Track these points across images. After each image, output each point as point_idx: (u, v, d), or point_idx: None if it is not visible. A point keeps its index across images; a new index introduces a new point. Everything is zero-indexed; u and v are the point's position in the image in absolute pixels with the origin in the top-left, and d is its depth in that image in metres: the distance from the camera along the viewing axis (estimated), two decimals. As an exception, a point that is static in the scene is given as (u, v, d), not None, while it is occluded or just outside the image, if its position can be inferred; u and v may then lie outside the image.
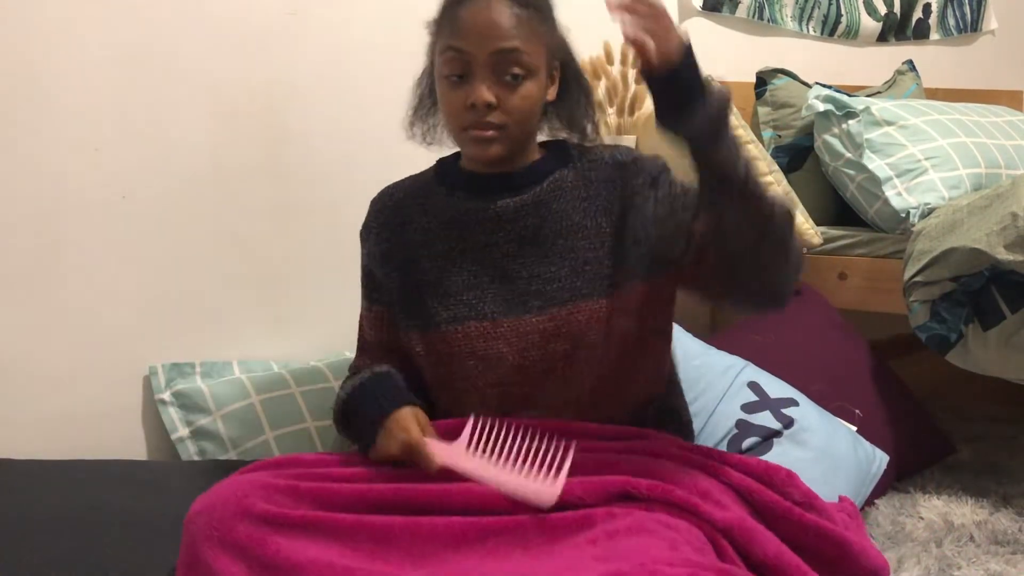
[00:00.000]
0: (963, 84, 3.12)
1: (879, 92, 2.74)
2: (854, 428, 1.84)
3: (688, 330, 1.91)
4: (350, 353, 1.50)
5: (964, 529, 1.77)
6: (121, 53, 1.70)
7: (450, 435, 1.26)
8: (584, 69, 1.44)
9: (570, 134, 1.39)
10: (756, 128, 2.55)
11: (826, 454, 1.70)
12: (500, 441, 1.20)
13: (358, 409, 1.30)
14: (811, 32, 2.89)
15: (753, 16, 2.72)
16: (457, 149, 1.41)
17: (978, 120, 2.44)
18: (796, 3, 2.83)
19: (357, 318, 1.49)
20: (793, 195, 2.19)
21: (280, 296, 1.90)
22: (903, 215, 2.16)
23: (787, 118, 2.52)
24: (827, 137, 2.33)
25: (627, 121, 2.12)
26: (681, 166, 1.24)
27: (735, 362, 1.85)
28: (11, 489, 1.42)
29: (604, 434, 1.30)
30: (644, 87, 2.03)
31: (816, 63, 2.83)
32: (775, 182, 2.15)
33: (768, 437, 1.70)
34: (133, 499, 1.43)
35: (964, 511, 1.84)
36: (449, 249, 1.35)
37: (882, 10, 3.05)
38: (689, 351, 1.84)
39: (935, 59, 3.20)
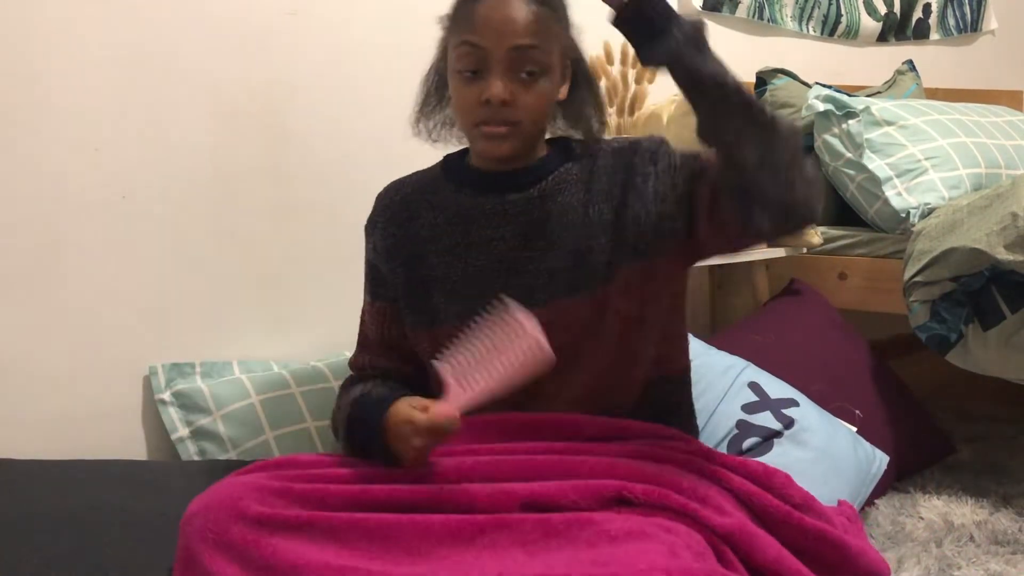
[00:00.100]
0: (963, 84, 3.12)
1: (879, 92, 2.74)
2: (854, 428, 1.84)
3: (688, 330, 1.91)
4: (350, 353, 1.50)
5: (964, 529, 1.77)
6: (121, 53, 1.70)
7: (466, 431, 1.26)
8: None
9: (577, 132, 1.39)
10: (756, 128, 2.54)
11: (826, 454, 1.70)
12: (468, 356, 1.17)
13: (362, 444, 1.27)
14: (811, 32, 2.89)
15: (753, 16, 2.72)
16: (463, 146, 1.41)
17: (978, 120, 2.44)
18: (796, 3, 2.83)
19: (357, 318, 1.49)
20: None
21: (280, 296, 1.90)
22: (903, 215, 2.16)
23: (787, 118, 2.52)
24: (827, 137, 2.33)
25: (627, 121, 2.12)
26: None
27: (735, 362, 1.85)
28: (11, 489, 1.42)
29: (607, 432, 1.29)
30: (644, 87, 2.06)
31: (816, 63, 2.84)
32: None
33: (768, 437, 1.70)
34: (133, 499, 1.43)
35: (964, 511, 1.84)
36: (455, 244, 1.35)
37: (882, 10, 3.05)
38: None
39: (935, 59, 3.20)
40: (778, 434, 1.71)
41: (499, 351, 1.15)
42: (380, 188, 1.47)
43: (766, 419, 1.73)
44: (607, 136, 1.43)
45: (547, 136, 1.40)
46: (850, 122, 2.29)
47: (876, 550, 1.31)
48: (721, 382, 1.79)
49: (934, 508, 1.86)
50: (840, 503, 1.51)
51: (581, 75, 1.38)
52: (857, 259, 2.28)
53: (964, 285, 1.88)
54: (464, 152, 1.42)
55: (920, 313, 1.94)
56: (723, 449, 1.68)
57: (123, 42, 1.70)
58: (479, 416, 1.31)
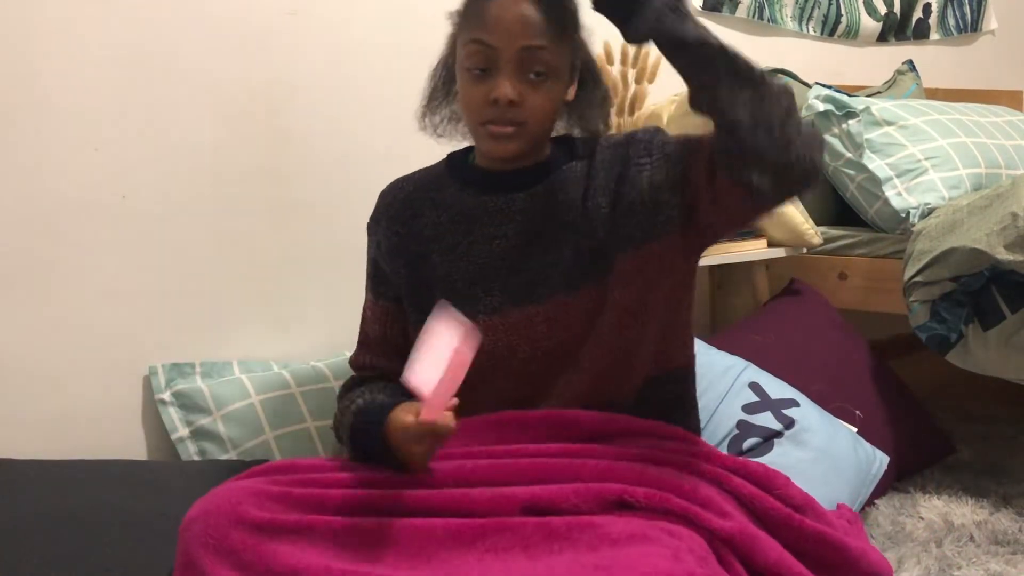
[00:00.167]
0: (963, 84, 3.12)
1: (879, 92, 2.74)
2: (854, 429, 1.84)
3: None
4: (350, 352, 1.50)
5: (964, 529, 1.77)
6: (121, 53, 1.70)
7: (465, 431, 1.26)
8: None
9: (582, 133, 1.39)
10: (756, 128, 2.55)
11: (827, 455, 1.70)
12: (422, 363, 1.15)
13: (367, 453, 1.26)
14: (811, 32, 2.89)
15: (753, 16, 2.72)
16: (468, 143, 1.41)
17: (978, 120, 2.44)
18: (796, 3, 2.83)
19: (357, 318, 1.49)
20: (793, 195, 2.18)
21: (280, 296, 1.90)
22: (903, 215, 2.16)
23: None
24: (827, 137, 2.32)
25: (627, 121, 2.12)
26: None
27: (736, 362, 1.85)
28: (11, 489, 1.42)
29: (607, 429, 1.29)
30: (644, 87, 2.06)
31: (816, 63, 2.84)
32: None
33: (769, 438, 1.70)
34: (133, 499, 1.43)
35: (964, 511, 1.84)
36: (458, 243, 1.35)
37: (882, 10, 3.05)
38: (689, 351, 1.84)
39: (935, 59, 3.20)
40: (778, 434, 1.71)
41: (443, 346, 1.14)
42: (380, 188, 1.47)
43: (766, 419, 1.73)
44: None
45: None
46: (850, 122, 2.29)
47: (878, 551, 1.31)
48: (721, 382, 1.79)
49: (934, 508, 1.86)
50: (839, 507, 1.50)
51: (590, 76, 1.38)
52: (857, 259, 2.28)
53: (964, 285, 1.88)
54: (468, 150, 1.42)
55: (920, 313, 1.94)
56: (723, 449, 1.68)
57: (123, 42, 1.70)
58: (478, 417, 1.31)
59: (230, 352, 1.84)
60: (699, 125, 1.27)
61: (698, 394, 1.72)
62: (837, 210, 2.46)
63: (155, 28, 1.73)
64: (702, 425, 1.53)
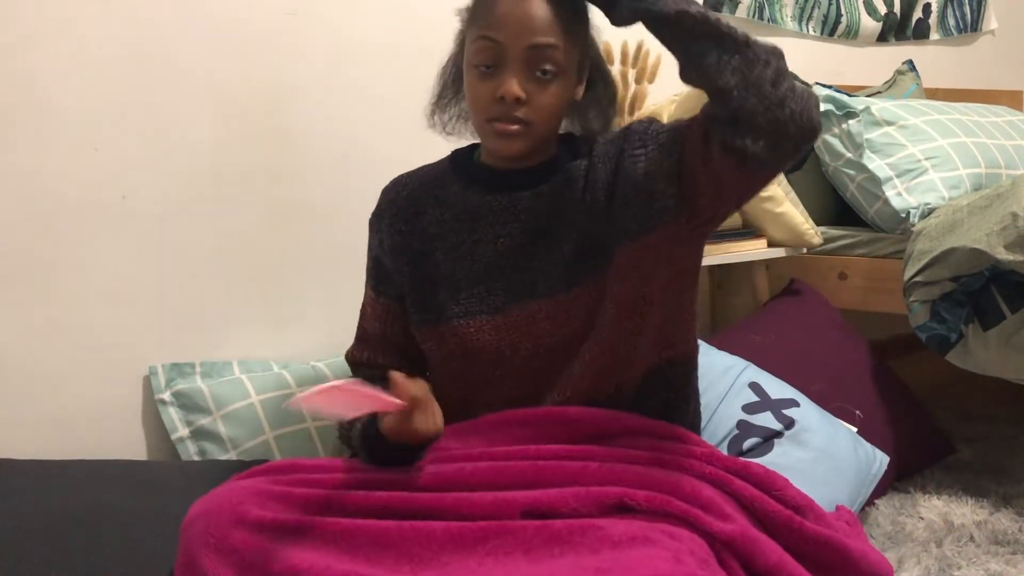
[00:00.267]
0: (963, 84, 3.12)
1: (879, 92, 2.74)
2: (854, 429, 1.84)
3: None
4: (350, 353, 1.50)
5: (964, 529, 1.77)
6: (121, 53, 1.70)
7: (467, 432, 1.26)
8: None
9: (584, 132, 1.38)
10: (756, 128, 2.55)
11: (827, 455, 1.70)
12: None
13: (386, 461, 1.26)
14: (811, 32, 2.89)
15: (753, 16, 2.72)
16: (473, 141, 1.40)
17: (978, 120, 2.44)
18: (796, 3, 2.83)
19: (357, 318, 1.49)
20: (793, 195, 2.19)
21: (280, 296, 1.90)
22: (903, 215, 2.16)
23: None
24: (827, 137, 2.33)
25: (627, 121, 2.12)
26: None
27: (736, 362, 1.85)
28: (11, 489, 1.42)
29: (606, 428, 1.29)
30: (644, 87, 2.06)
31: (816, 63, 2.83)
32: (775, 182, 2.15)
33: (769, 438, 1.70)
34: (133, 499, 1.43)
35: (964, 511, 1.84)
36: (461, 241, 1.35)
37: (882, 10, 3.05)
38: (689, 351, 1.83)
39: (935, 59, 3.20)
40: (778, 434, 1.71)
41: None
42: (380, 188, 1.47)
43: (766, 419, 1.73)
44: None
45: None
46: (850, 122, 2.29)
47: (878, 551, 1.30)
48: (722, 382, 1.79)
49: (934, 508, 1.86)
50: (838, 508, 1.50)
51: (599, 76, 1.37)
52: (857, 259, 2.28)
53: (964, 285, 1.88)
54: (473, 148, 1.42)
55: (920, 313, 1.94)
56: (723, 449, 1.68)
57: (123, 42, 1.70)
58: (481, 417, 1.31)
59: (230, 352, 1.84)
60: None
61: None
62: (837, 210, 2.46)
63: (155, 28, 1.73)
64: (702, 425, 1.53)
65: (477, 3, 1.30)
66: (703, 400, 1.52)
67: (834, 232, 2.33)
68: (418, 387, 1.19)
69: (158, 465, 1.65)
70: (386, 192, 1.45)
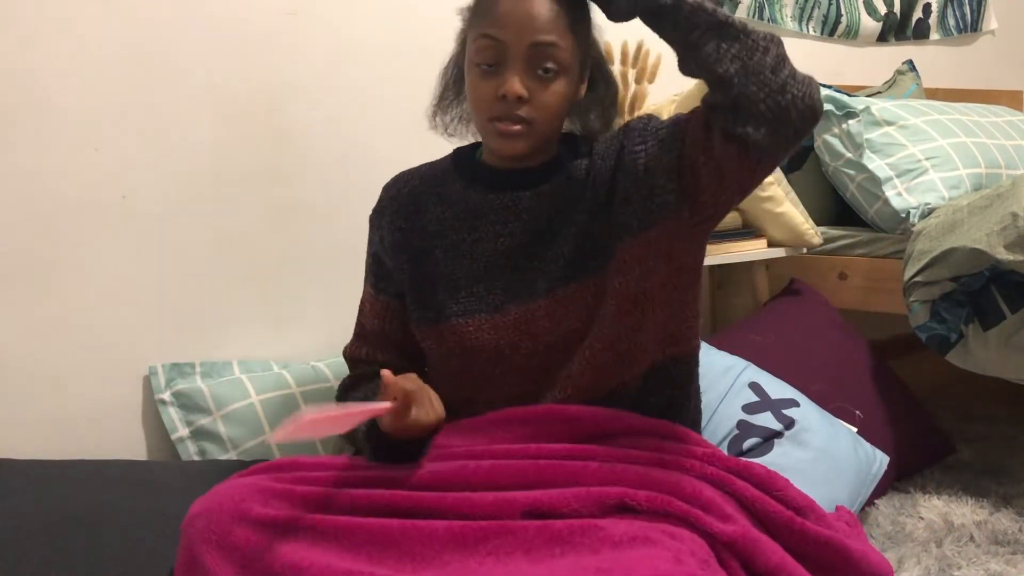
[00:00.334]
0: (963, 84, 3.12)
1: (879, 92, 2.74)
2: (854, 429, 1.84)
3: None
4: (350, 353, 1.50)
5: (964, 529, 1.77)
6: (121, 53, 1.70)
7: (468, 430, 1.26)
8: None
9: (584, 132, 1.38)
10: (756, 128, 2.55)
11: (827, 455, 1.70)
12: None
13: (392, 458, 1.26)
14: (811, 32, 2.89)
15: (753, 16, 2.72)
16: (475, 140, 1.40)
17: (978, 120, 2.44)
18: (796, 3, 2.83)
19: (357, 318, 1.49)
20: (793, 195, 2.19)
21: (280, 296, 1.90)
22: (903, 215, 2.16)
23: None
24: (827, 137, 2.33)
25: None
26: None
27: (736, 362, 1.85)
28: (11, 489, 1.42)
29: (607, 427, 1.29)
30: (644, 87, 2.05)
31: (816, 63, 2.83)
32: (775, 182, 2.15)
33: (769, 438, 1.70)
34: (133, 499, 1.43)
35: (964, 511, 1.84)
36: (462, 240, 1.35)
37: (882, 10, 3.05)
38: (689, 351, 1.83)
39: (935, 59, 3.20)
40: (779, 434, 1.71)
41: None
42: (380, 188, 1.47)
43: (767, 419, 1.73)
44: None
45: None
46: (850, 122, 2.29)
47: (878, 552, 1.30)
48: (722, 382, 1.79)
49: (934, 508, 1.86)
50: (838, 509, 1.50)
51: (600, 76, 1.37)
52: (857, 259, 2.28)
53: (964, 285, 1.88)
54: (475, 146, 1.41)
55: (920, 313, 1.94)
56: (724, 449, 1.68)
57: (123, 42, 1.70)
58: (481, 416, 1.31)
59: (230, 352, 1.84)
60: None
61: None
62: (837, 210, 2.46)
63: (155, 28, 1.73)
64: (703, 424, 1.53)
65: (478, 2, 1.29)
66: (703, 400, 1.52)
67: (834, 232, 2.33)
68: (409, 381, 1.19)
69: (158, 465, 1.65)
70: (387, 189, 1.45)
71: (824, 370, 1.99)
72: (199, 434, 1.69)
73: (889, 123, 2.29)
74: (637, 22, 1.30)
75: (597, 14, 1.32)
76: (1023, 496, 1.92)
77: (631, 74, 2.09)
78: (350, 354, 1.48)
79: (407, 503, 1.16)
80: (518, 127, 1.25)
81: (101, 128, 1.69)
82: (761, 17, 2.75)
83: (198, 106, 1.78)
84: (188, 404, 1.71)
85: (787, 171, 2.41)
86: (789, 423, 1.72)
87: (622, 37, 2.01)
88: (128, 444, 1.74)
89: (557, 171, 1.34)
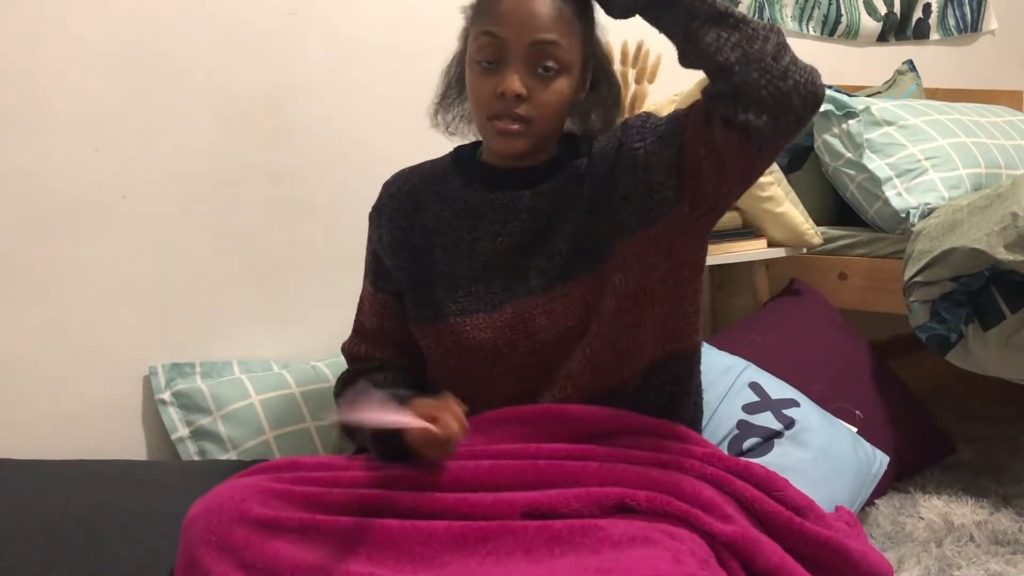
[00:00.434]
0: (963, 84, 3.12)
1: (879, 92, 2.74)
2: (854, 429, 1.84)
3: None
4: (350, 353, 1.50)
5: (964, 529, 1.77)
6: (121, 53, 1.70)
7: (480, 427, 1.26)
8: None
9: (588, 132, 1.38)
10: (756, 128, 2.55)
11: (827, 455, 1.70)
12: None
13: (387, 452, 1.26)
14: (811, 32, 2.89)
15: (753, 16, 2.72)
16: (476, 139, 1.40)
17: (978, 120, 2.44)
18: (796, 3, 2.83)
19: (356, 315, 1.49)
20: (793, 195, 2.19)
21: (280, 296, 1.90)
22: (903, 215, 2.16)
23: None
24: (827, 137, 2.33)
25: (627, 121, 2.12)
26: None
27: (736, 362, 1.85)
28: (11, 489, 1.42)
29: (607, 426, 1.29)
30: (644, 87, 2.05)
31: (816, 63, 2.80)
32: (775, 182, 2.15)
33: (769, 438, 1.70)
34: (133, 499, 1.43)
35: (964, 511, 1.84)
36: (461, 239, 1.35)
37: (882, 10, 3.05)
38: (689, 351, 1.83)
39: (935, 59, 3.20)
40: (779, 434, 1.71)
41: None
42: (380, 187, 1.47)
43: (767, 419, 1.73)
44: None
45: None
46: (850, 122, 2.29)
47: (878, 552, 1.30)
48: (722, 382, 1.79)
49: (934, 508, 1.86)
50: (838, 509, 1.50)
51: (603, 76, 1.37)
52: (857, 259, 2.28)
53: (964, 285, 1.88)
54: (475, 145, 1.41)
55: (920, 313, 1.94)
56: (724, 449, 1.68)
57: (123, 42, 1.70)
58: (480, 415, 1.31)
59: (230, 352, 1.84)
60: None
61: (698, 393, 1.72)
62: (837, 210, 2.46)
63: (155, 28, 1.73)
64: (703, 424, 1.53)
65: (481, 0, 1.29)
66: (704, 400, 1.52)
67: (834, 232, 2.33)
68: (434, 406, 1.18)
69: (158, 465, 1.65)
70: (387, 186, 1.45)
71: (824, 370, 1.99)
72: (199, 434, 1.69)
73: (889, 123, 2.29)
74: (636, 22, 1.30)
75: (599, 13, 1.32)
76: (1023, 496, 1.92)
77: (631, 74, 2.09)
78: (349, 351, 1.48)
79: (406, 503, 1.16)
80: (517, 125, 1.25)
81: (101, 128, 1.69)
82: (761, 17, 2.74)
83: (198, 106, 1.78)
84: (188, 404, 1.71)
85: (787, 171, 2.41)
86: (789, 423, 1.72)
87: (622, 37, 2.01)
88: (128, 444, 1.74)
89: (557, 170, 1.34)
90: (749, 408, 1.75)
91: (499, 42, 1.24)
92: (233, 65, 1.81)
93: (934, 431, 2.12)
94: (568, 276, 1.30)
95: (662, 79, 2.02)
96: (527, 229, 1.32)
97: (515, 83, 1.23)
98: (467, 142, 1.43)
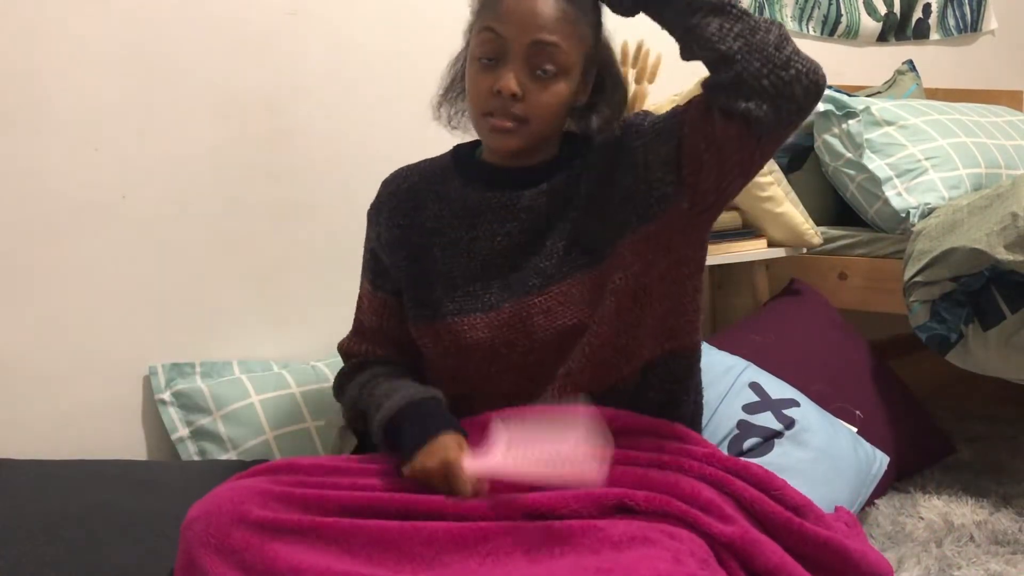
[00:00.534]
0: (963, 84, 3.12)
1: (879, 92, 2.74)
2: (854, 429, 1.84)
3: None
4: (350, 353, 1.50)
5: (964, 529, 1.77)
6: (121, 53, 1.70)
7: (478, 429, 1.25)
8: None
9: (589, 133, 1.38)
10: (756, 128, 2.55)
11: (827, 455, 1.70)
12: (529, 434, 1.15)
13: (402, 424, 1.26)
14: (811, 32, 2.89)
15: (753, 16, 2.72)
16: (478, 137, 1.40)
17: (978, 120, 2.44)
18: (796, 3, 2.83)
19: (355, 314, 1.49)
20: (793, 195, 2.19)
21: (280, 296, 1.90)
22: (903, 215, 2.16)
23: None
24: (827, 137, 2.33)
25: (627, 121, 2.12)
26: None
27: (736, 362, 1.85)
28: (11, 489, 1.42)
29: (611, 428, 1.28)
30: (644, 87, 2.05)
31: (816, 63, 2.83)
32: (775, 182, 2.15)
33: (769, 438, 1.70)
34: (133, 499, 1.43)
35: (964, 511, 1.84)
36: (460, 238, 1.35)
37: (882, 10, 3.05)
38: (689, 351, 1.83)
39: (935, 59, 3.20)
40: (779, 434, 1.71)
41: (554, 456, 1.12)
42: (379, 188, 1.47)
43: (767, 419, 1.73)
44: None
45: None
46: (850, 122, 2.29)
47: (878, 552, 1.30)
48: (722, 382, 1.79)
49: (934, 508, 1.86)
50: (837, 509, 1.50)
51: (608, 80, 1.36)
52: (857, 259, 2.28)
53: (964, 285, 1.88)
54: (475, 144, 1.41)
55: (920, 313, 1.94)
56: (724, 449, 1.68)
57: (123, 42, 1.70)
58: (478, 416, 1.31)
59: (230, 352, 1.84)
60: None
61: (698, 394, 1.72)
62: (837, 210, 2.46)
63: (155, 28, 1.73)
64: (703, 424, 1.53)
65: None
66: (704, 400, 1.52)
67: (834, 232, 2.33)
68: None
69: (158, 465, 1.65)
70: (386, 184, 1.45)
71: (824, 370, 1.99)
72: (199, 434, 1.69)
73: (889, 123, 2.29)
74: (636, 22, 1.30)
75: (605, 15, 1.32)
76: (1023, 496, 1.92)
77: (631, 74, 2.09)
78: (347, 349, 1.48)
79: (406, 505, 1.16)
80: (510, 124, 1.25)
81: (101, 128, 1.69)
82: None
83: (198, 106, 1.78)
84: (188, 404, 1.71)
85: (787, 171, 2.41)
86: (789, 423, 1.72)
87: (622, 37, 2.01)
88: (128, 444, 1.74)
89: (557, 170, 1.34)
90: (749, 408, 1.75)
91: (499, 39, 1.24)
92: (233, 65, 1.81)
93: (934, 431, 2.12)
94: (566, 275, 1.30)
95: (662, 79, 2.02)
96: (526, 229, 1.32)
97: (511, 82, 1.23)
98: (467, 138, 1.42)
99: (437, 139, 1.45)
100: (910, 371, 2.38)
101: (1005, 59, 3.44)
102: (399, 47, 1.99)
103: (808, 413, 1.76)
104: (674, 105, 1.32)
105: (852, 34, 2.99)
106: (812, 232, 2.20)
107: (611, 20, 1.34)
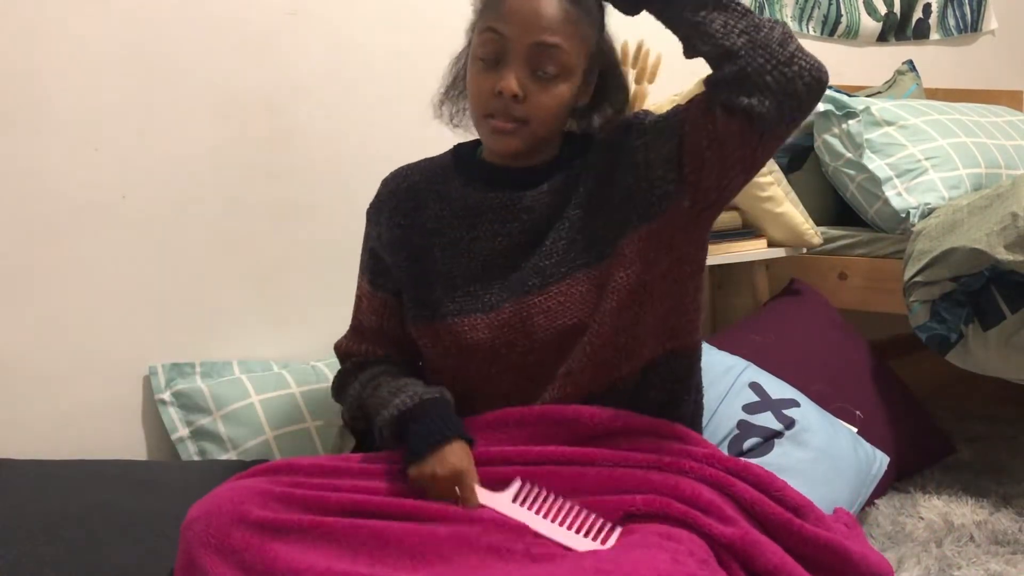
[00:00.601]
0: (963, 84, 3.12)
1: (879, 92, 2.74)
2: (854, 429, 1.84)
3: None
4: (350, 353, 1.49)
5: (964, 529, 1.77)
6: (121, 53, 1.70)
7: (478, 429, 1.26)
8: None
9: (590, 133, 1.38)
10: (756, 128, 2.55)
11: (827, 455, 1.70)
12: (544, 503, 1.18)
13: (410, 423, 1.26)
14: (811, 32, 2.89)
15: (753, 16, 2.72)
16: (478, 136, 1.40)
17: (978, 120, 2.44)
18: (796, 3, 2.83)
19: (354, 313, 1.49)
20: (793, 195, 2.19)
21: (280, 296, 1.90)
22: (903, 215, 2.16)
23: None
24: (827, 137, 2.33)
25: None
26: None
27: (736, 362, 1.85)
28: (11, 489, 1.42)
29: (607, 426, 1.28)
30: (644, 87, 2.05)
31: (816, 63, 2.83)
32: (775, 182, 2.15)
33: (769, 438, 1.70)
34: (133, 499, 1.43)
35: (964, 511, 1.84)
36: (460, 238, 1.35)
37: (882, 10, 3.05)
38: (689, 351, 1.83)
39: (935, 59, 3.20)
40: (779, 434, 1.71)
41: (565, 529, 1.16)
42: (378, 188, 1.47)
43: (767, 419, 1.73)
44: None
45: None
46: (850, 122, 2.29)
47: (878, 553, 1.30)
48: (722, 382, 1.79)
49: (934, 508, 1.86)
50: (836, 511, 1.50)
51: (611, 82, 1.36)
52: (857, 259, 2.28)
53: (964, 285, 1.88)
54: (476, 143, 1.41)
55: (920, 313, 1.94)
56: (724, 449, 1.68)
57: (123, 42, 1.70)
58: (478, 416, 1.31)
59: (230, 352, 1.84)
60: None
61: (698, 394, 1.72)
62: (837, 210, 2.46)
63: (155, 28, 1.73)
64: (703, 424, 1.53)
65: None
66: (704, 400, 1.52)
67: (834, 232, 2.33)
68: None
69: (158, 465, 1.65)
70: (387, 183, 1.44)
71: (824, 370, 1.99)
72: (199, 434, 1.69)
73: (889, 123, 2.29)
74: (636, 22, 1.29)
75: (609, 14, 1.31)
76: (1023, 496, 1.92)
77: (631, 74, 2.09)
78: (345, 349, 1.47)
79: (406, 505, 1.16)
80: (511, 125, 1.25)
81: (101, 128, 1.69)
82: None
83: (198, 106, 1.78)
84: (188, 404, 1.71)
85: (787, 171, 2.41)
86: (789, 423, 1.72)
87: (622, 37, 2.01)
88: (128, 444, 1.74)
89: (557, 171, 1.33)
90: (749, 408, 1.75)
91: (501, 39, 1.24)
92: (233, 65, 1.81)
93: (934, 431, 2.12)
94: (567, 275, 1.30)
95: (662, 79, 2.02)
96: (526, 229, 1.32)
97: (512, 83, 1.23)
98: (468, 137, 1.42)
99: (437, 139, 1.45)
100: (910, 371, 2.38)
101: (1005, 59, 3.44)
102: (399, 47, 1.99)
103: (808, 413, 1.76)
104: (674, 105, 1.32)
105: (852, 34, 2.99)
106: (812, 232, 2.20)
107: (611, 20, 1.34)
